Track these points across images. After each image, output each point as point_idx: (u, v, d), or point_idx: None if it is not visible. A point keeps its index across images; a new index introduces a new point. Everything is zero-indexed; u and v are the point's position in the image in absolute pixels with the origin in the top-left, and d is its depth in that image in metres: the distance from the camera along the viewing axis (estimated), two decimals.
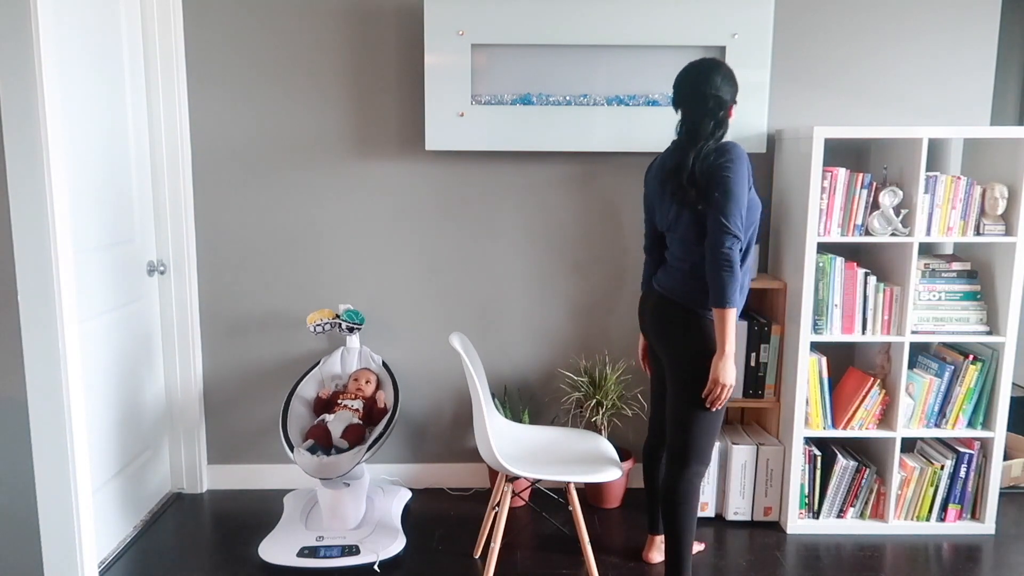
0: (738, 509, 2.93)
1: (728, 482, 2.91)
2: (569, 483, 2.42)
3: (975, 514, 2.88)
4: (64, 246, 2.19)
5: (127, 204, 2.77)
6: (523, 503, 3.06)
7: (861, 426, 2.81)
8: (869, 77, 3.01)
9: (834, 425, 2.83)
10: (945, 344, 2.93)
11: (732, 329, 2.14)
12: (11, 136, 2.09)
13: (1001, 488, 2.93)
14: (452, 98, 2.85)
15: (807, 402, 2.80)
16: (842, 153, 2.90)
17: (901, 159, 2.76)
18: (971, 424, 2.83)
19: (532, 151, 2.96)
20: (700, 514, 2.83)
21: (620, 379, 3.01)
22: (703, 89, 2.19)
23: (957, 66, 2.99)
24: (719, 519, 2.96)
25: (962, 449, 2.83)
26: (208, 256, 3.06)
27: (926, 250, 2.94)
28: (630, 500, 3.10)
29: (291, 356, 3.13)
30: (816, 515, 2.88)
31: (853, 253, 2.90)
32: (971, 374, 2.78)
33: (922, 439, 2.96)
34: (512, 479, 2.45)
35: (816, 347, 2.85)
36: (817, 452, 2.84)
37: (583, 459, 2.49)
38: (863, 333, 2.78)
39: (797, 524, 2.87)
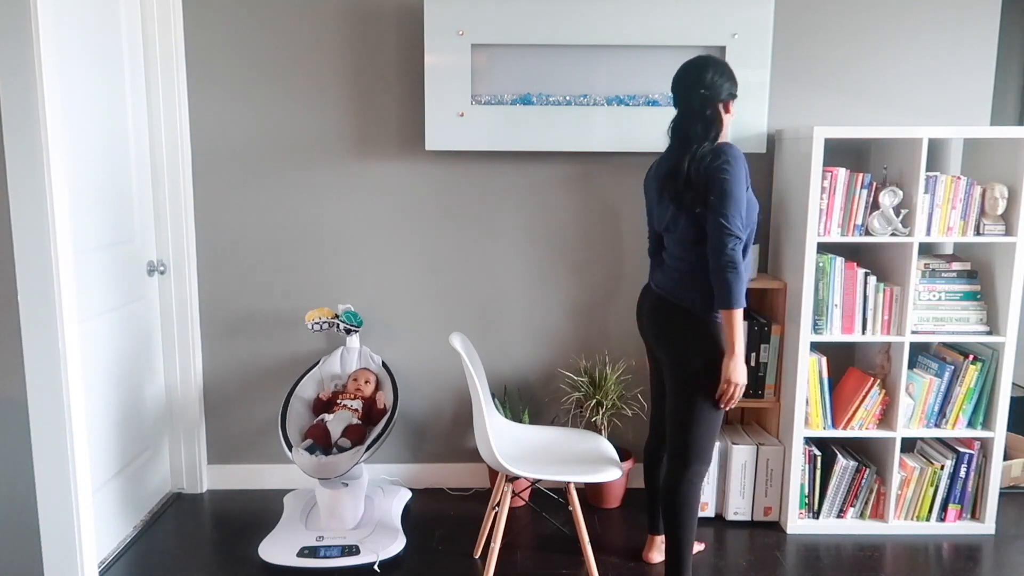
0: (738, 509, 2.93)
1: (728, 482, 2.91)
2: (569, 483, 2.42)
3: (975, 514, 2.88)
4: (64, 246, 2.19)
5: (127, 204, 2.77)
6: (523, 503, 3.06)
7: (861, 426, 2.81)
8: (869, 77, 3.01)
9: (834, 425, 2.83)
10: (945, 344, 2.93)
11: (740, 329, 2.16)
12: (11, 136, 2.09)
13: (1001, 488, 2.92)
14: (452, 98, 2.85)
15: (807, 402, 2.80)
16: (842, 153, 2.90)
17: (901, 159, 2.76)
18: (971, 424, 2.83)
19: (532, 151, 2.96)
20: (700, 514, 2.81)
21: (620, 379, 3.01)
22: (693, 92, 2.20)
23: (957, 66, 2.99)
24: (719, 519, 2.96)
25: (962, 449, 2.83)
26: (208, 256, 3.06)
27: (926, 250, 2.94)
28: (630, 500, 3.10)
29: (291, 356, 3.13)
30: (816, 515, 2.88)
31: (853, 253, 2.90)
32: (971, 374, 2.78)
33: (922, 439, 2.96)
34: (512, 479, 2.45)
35: (816, 347, 2.85)
36: (817, 452, 2.84)
37: (583, 459, 2.49)
38: (863, 333, 2.78)
39: (797, 524, 2.87)
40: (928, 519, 2.87)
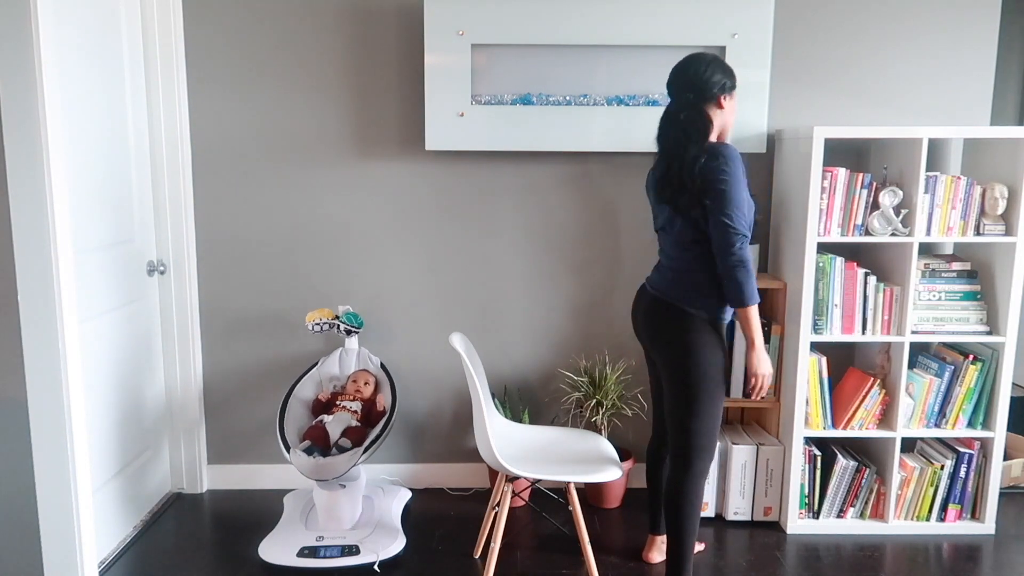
0: (738, 509, 2.93)
1: (728, 482, 2.91)
2: (569, 483, 2.42)
3: (975, 514, 2.88)
4: (64, 246, 2.19)
5: (127, 204, 2.77)
6: (523, 503, 3.06)
7: (861, 426, 2.81)
8: (869, 77, 3.01)
9: (834, 425, 2.83)
10: (945, 344, 2.93)
11: (758, 323, 2.20)
12: (11, 136, 2.09)
13: (1001, 488, 2.93)
14: (452, 98, 2.85)
15: (807, 402, 2.80)
16: (842, 153, 2.90)
17: (901, 159, 2.76)
18: (971, 424, 2.83)
19: (532, 151, 2.96)
20: (700, 514, 2.83)
21: (620, 379, 3.01)
22: (681, 95, 2.22)
23: (957, 66, 2.99)
24: (719, 519, 2.96)
25: (962, 449, 2.83)
26: (208, 256, 3.06)
27: (926, 250, 2.94)
28: (630, 500, 3.10)
29: (291, 356, 3.13)
30: (816, 515, 2.88)
31: (853, 253, 2.90)
32: (971, 374, 2.78)
33: (922, 439, 2.96)
34: (512, 479, 2.45)
35: (816, 347, 2.85)
36: (817, 452, 2.84)
37: (583, 459, 2.49)
38: (863, 333, 2.78)
39: (797, 524, 2.87)
40: (928, 519, 2.87)
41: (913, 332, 2.76)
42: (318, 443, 2.61)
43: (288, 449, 2.60)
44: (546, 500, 3.10)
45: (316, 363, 2.97)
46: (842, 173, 2.69)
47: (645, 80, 2.87)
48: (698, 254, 2.21)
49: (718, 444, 2.89)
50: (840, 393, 2.87)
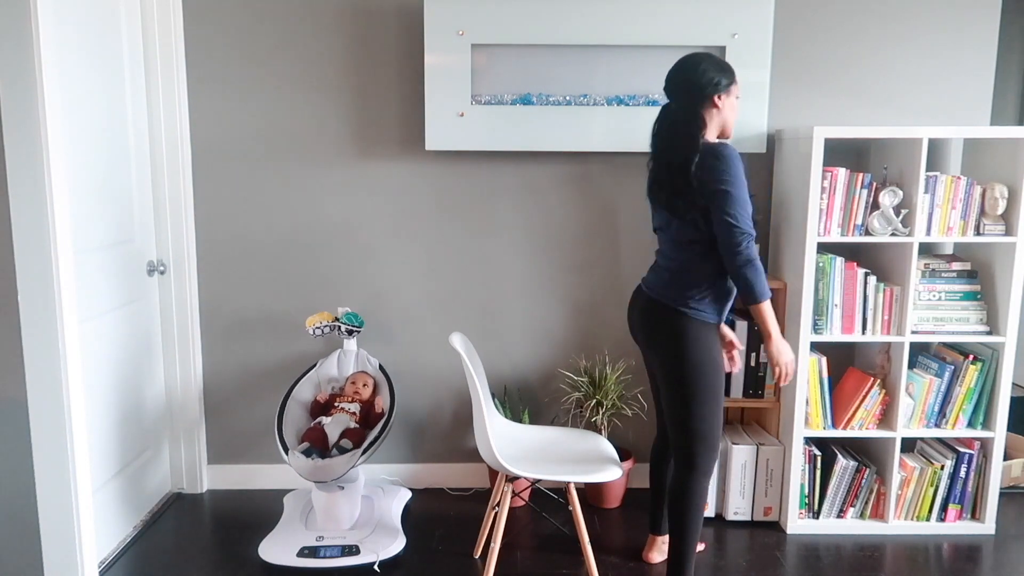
0: (738, 509, 2.93)
1: (728, 482, 2.91)
2: (569, 483, 2.42)
3: (975, 514, 2.88)
4: (64, 246, 2.19)
5: (127, 204, 2.77)
6: (523, 503, 3.06)
7: (861, 426, 2.81)
8: (869, 77, 3.01)
9: (834, 425, 2.83)
10: (945, 344, 2.93)
11: (772, 317, 2.20)
12: (11, 136, 2.09)
13: (1001, 488, 2.92)
14: (452, 98, 2.85)
15: (807, 402, 2.80)
16: (842, 153, 2.90)
17: (901, 159, 2.76)
18: (971, 424, 2.83)
19: (532, 151, 2.96)
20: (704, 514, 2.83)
21: (620, 379, 3.01)
22: (676, 97, 2.22)
23: (957, 66, 2.99)
24: (719, 519, 2.95)
25: (962, 449, 2.83)
26: (208, 256, 3.06)
27: (926, 250, 2.94)
28: (630, 500, 3.10)
29: (292, 356, 3.13)
30: (816, 515, 2.88)
31: (853, 253, 2.90)
32: (971, 374, 2.78)
33: (922, 439, 2.96)
34: (512, 479, 2.45)
35: (816, 347, 2.85)
36: (817, 452, 2.84)
37: (583, 459, 2.49)
38: (863, 333, 2.78)
39: (797, 524, 2.87)
40: (928, 519, 2.87)
41: (913, 332, 2.76)
42: (316, 445, 2.61)
43: (287, 451, 2.60)
44: (546, 500, 3.10)
45: (314, 365, 2.96)
46: (842, 173, 2.69)
47: (645, 80, 2.86)
48: (696, 254, 2.21)
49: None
50: (840, 393, 2.87)
